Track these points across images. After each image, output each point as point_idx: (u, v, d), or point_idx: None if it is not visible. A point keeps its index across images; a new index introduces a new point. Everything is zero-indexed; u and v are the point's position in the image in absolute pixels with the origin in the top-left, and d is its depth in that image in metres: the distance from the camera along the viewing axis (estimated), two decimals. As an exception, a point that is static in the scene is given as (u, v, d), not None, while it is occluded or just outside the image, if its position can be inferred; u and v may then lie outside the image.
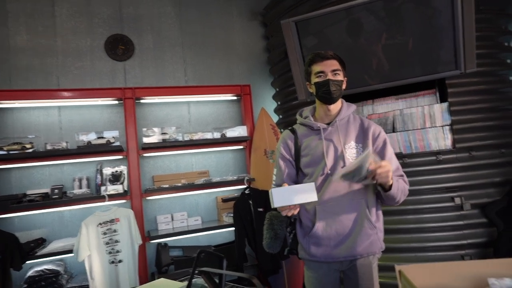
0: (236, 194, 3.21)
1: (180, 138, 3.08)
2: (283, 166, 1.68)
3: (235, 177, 3.18)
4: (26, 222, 2.85)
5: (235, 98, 3.49)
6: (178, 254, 3.04)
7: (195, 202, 3.30)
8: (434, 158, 2.56)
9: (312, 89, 1.63)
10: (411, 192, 2.56)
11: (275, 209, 1.56)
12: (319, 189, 1.56)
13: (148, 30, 3.35)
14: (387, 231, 2.59)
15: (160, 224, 3.05)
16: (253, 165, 3.27)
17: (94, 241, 2.56)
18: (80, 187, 2.88)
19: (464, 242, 2.49)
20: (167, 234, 2.93)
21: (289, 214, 1.44)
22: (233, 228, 3.03)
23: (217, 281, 1.19)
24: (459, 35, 2.32)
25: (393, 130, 2.67)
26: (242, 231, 2.96)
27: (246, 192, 3.05)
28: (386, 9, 2.51)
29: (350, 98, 2.89)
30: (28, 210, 2.71)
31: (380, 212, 1.66)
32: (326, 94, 1.57)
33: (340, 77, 1.59)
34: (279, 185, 1.67)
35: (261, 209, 3.00)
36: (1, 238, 2.43)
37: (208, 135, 3.16)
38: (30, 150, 2.71)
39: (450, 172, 2.54)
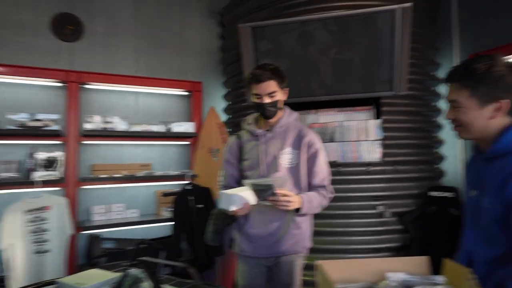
0: (177, 189, 3.22)
1: (125, 128, 3.01)
2: (228, 169, 1.82)
3: (177, 172, 3.19)
4: None
5: (185, 93, 3.49)
6: (111, 246, 2.96)
7: (134, 195, 3.24)
8: (364, 168, 2.81)
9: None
10: (342, 198, 2.81)
11: (197, 211, 1.71)
12: None
13: (101, 14, 3.22)
14: (317, 233, 2.82)
15: (95, 215, 2.94)
16: (197, 161, 3.31)
17: (19, 229, 2.41)
18: (8, 171, 2.69)
19: (383, 246, 2.77)
20: (101, 226, 2.85)
21: (242, 213, 1.58)
22: (171, 223, 3.04)
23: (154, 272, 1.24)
24: (395, 60, 2.59)
25: (332, 140, 2.88)
26: (180, 226, 2.98)
27: (188, 187, 3.07)
28: (338, 25, 2.70)
29: (297, 106, 3.06)
30: None
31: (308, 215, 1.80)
32: (262, 115, 1.74)
33: (277, 97, 1.70)
34: (225, 186, 1.80)
35: (201, 206, 3.05)
36: None
37: (154, 128, 3.13)
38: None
39: (376, 183, 2.81)
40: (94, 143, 3.09)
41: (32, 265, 2.45)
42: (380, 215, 2.78)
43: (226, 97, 3.65)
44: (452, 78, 1.15)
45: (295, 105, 3.06)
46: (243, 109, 3.31)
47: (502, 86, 1.07)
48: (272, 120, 1.76)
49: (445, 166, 3.17)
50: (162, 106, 3.45)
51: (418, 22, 2.98)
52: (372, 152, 2.82)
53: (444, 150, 3.20)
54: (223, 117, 3.64)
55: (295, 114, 1.83)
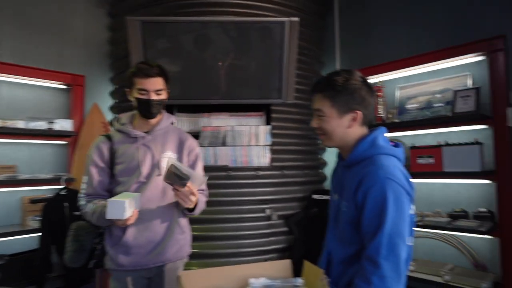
0: (49, 195, 2.82)
1: (-22, 123, 2.51)
2: (96, 174, 1.60)
3: (50, 176, 2.79)
4: None
5: (64, 87, 3.09)
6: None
7: (-9, 202, 2.73)
8: (254, 173, 2.87)
9: (132, 99, 1.62)
10: (233, 202, 2.82)
11: (81, 218, 1.53)
12: None
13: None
14: (208, 238, 2.79)
15: None
16: (76, 164, 2.95)
17: None
18: None
19: (269, 248, 2.87)
20: None
21: (129, 223, 1.43)
22: (39, 234, 2.64)
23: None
24: (284, 70, 2.72)
25: (224, 144, 2.88)
26: (49, 237, 2.61)
27: (62, 193, 2.72)
28: (233, 30, 2.72)
29: (189, 108, 2.99)
30: None
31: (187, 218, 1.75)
32: (147, 112, 1.61)
33: (162, 96, 1.63)
34: (89, 194, 1.60)
35: (78, 213, 2.71)
36: None
37: (21, 124, 2.69)
38: None
39: (265, 187, 2.89)
40: None
41: None
42: (268, 218, 2.87)
43: (113, 94, 3.35)
44: (316, 88, 1.23)
45: (187, 108, 3.02)
46: (131, 108, 3.07)
47: (356, 98, 1.18)
48: (152, 121, 1.66)
49: (327, 171, 3.46)
50: (34, 99, 2.99)
51: (307, 37, 3.22)
52: (262, 157, 2.90)
53: (326, 156, 3.50)
54: (110, 116, 3.33)
55: (172, 118, 1.78)
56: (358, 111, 1.19)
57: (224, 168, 2.80)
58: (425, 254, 2.78)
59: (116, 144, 1.63)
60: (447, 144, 2.53)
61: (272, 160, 2.91)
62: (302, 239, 2.91)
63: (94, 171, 1.60)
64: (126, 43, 2.98)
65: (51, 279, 2.68)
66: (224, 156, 2.85)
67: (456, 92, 2.56)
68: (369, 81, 1.24)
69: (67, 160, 3.07)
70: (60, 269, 2.76)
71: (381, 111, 2.91)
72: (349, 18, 3.44)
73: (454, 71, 2.69)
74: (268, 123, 2.98)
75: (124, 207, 1.36)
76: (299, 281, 1.03)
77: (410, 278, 2.53)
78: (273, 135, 2.93)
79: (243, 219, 2.84)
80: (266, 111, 3.01)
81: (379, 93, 2.91)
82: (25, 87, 2.94)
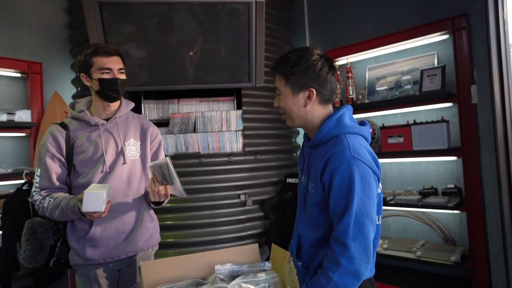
0: (11, 191, 2.67)
1: None
2: (52, 166, 1.49)
3: (9, 170, 2.64)
4: None
5: (19, 75, 2.90)
6: None
7: None
8: (227, 159, 2.82)
9: (91, 84, 1.52)
10: (207, 189, 2.77)
11: (37, 214, 1.44)
12: None
13: None
14: (184, 227, 2.74)
15: None
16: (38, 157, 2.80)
17: None
18: None
19: (245, 233, 2.85)
20: None
21: (104, 215, 1.37)
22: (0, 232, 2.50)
23: None
24: (252, 53, 2.65)
25: (194, 130, 2.81)
26: (13, 235, 2.48)
27: (24, 188, 2.57)
28: (204, 14, 2.61)
29: (158, 95, 2.89)
30: None
31: None
32: (114, 93, 1.51)
33: (124, 76, 1.56)
34: (45, 187, 1.49)
35: (42, 208, 2.60)
36: None
37: (-26, 116, 2.51)
38: None
39: (239, 172, 2.85)
40: None
41: None
42: (243, 204, 2.85)
43: (75, 82, 3.18)
44: (273, 67, 1.20)
45: (155, 94, 2.91)
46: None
47: (311, 75, 1.14)
48: (112, 108, 1.57)
49: (300, 154, 3.46)
50: (-13, 89, 2.80)
51: (275, 18, 3.15)
52: (234, 142, 2.85)
53: (300, 139, 3.49)
54: (73, 105, 3.17)
55: (132, 104, 1.69)
56: (312, 89, 1.15)
57: (196, 155, 2.74)
58: (398, 232, 2.86)
59: (74, 132, 1.53)
60: (416, 123, 2.57)
61: (245, 145, 2.87)
62: (278, 223, 2.91)
63: (50, 162, 1.48)
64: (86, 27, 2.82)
65: (18, 278, 2.56)
66: (196, 143, 2.78)
67: (422, 71, 2.59)
68: (328, 58, 1.20)
69: (28, 153, 2.91)
70: (27, 267, 2.64)
71: (351, 92, 2.91)
72: (318, -1, 3.40)
73: (420, 51, 2.72)
74: (239, 107, 2.93)
75: (103, 198, 1.29)
76: (267, 264, 1.01)
77: (383, 256, 2.60)
78: (245, 120, 2.88)
79: (218, 206, 2.80)
80: (237, 96, 2.95)
81: (349, 74, 2.91)
82: (-24, 77, 2.74)
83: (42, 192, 1.48)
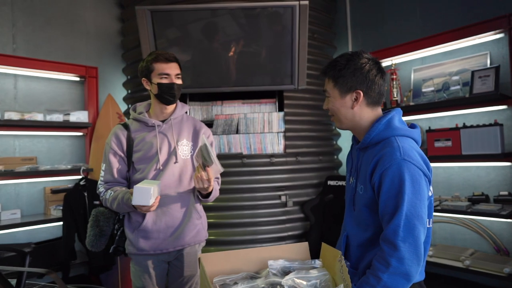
0: (70, 185, 2.89)
1: (-2, 117, 2.58)
2: (114, 162, 1.64)
3: (69, 166, 2.85)
4: None
5: (78, 79, 3.14)
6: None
7: (14, 193, 2.81)
8: (268, 160, 2.87)
9: (151, 88, 1.64)
10: (248, 189, 2.84)
11: (101, 205, 1.56)
12: None
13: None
14: (225, 225, 2.82)
15: (-41, 218, 2.48)
16: (93, 154, 3.01)
17: None
18: None
19: (285, 234, 2.89)
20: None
21: (152, 209, 1.47)
22: (62, 223, 2.72)
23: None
24: (295, 56, 2.68)
25: (237, 131, 2.88)
26: (72, 226, 2.69)
27: (81, 183, 2.78)
28: (245, 17, 2.69)
29: (202, 97, 3.00)
30: None
31: None
32: (170, 96, 1.63)
33: (180, 81, 1.67)
34: (108, 181, 1.64)
35: (97, 202, 2.79)
36: None
37: (39, 117, 2.74)
38: None
39: (280, 173, 2.90)
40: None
41: None
42: (284, 204, 2.88)
43: (126, 85, 3.38)
44: (323, 71, 1.24)
45: (199, 96, 3.02)
46: (145, 98, 3.08)
47: (359, 77, 1.16)
48: (168, 110, 1.68)
49: (342, 157, 3.43)
50: (50, 92, 3.04)
51: (318, 21, 3.16)
52: (276, 144, 2.90)
53: (341, 142, 3.46)
54: (123, 106, 3.37)
55: (186, 106, 1.80)
56: (359, 91, 1.17)
57: (239, 156, 2.81)
58: (444, 239, 2.75)
59: (134, 132, 1.66)
60: (465, 126, 2.47)
61: (286, 146, 2.91)
62: (318, 225, 2.91)
63: (112, 159, 1.63)
64: (137, 33, 2.99)
65: (75, 266, 2.77)
66: (238, 144, 2.85)
67: (473, 72, 2.48)
68: (377, 61, 1.22)
69: (84, 150, 3.13)
70: (83, 256, 2.85)
71: (395, 94, 2.85)
72: (360, 0, 3.36)
73: (471, 51, 2.61)
74: (281, 109, 2.96)
75: (150, 193, 1.39)
76: (317, 262, 1.04)
77: (429, 263, 2.52)
78: (287, 122, 2.92)
79: (258, 206, 2.86)
80: (279, 98, 3.00)
81: (393, 76, 2.85)
82: (40, 81, 2.99)
83: (106, 185, 1.61)
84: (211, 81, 2.82)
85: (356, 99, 1.19)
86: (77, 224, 2.73)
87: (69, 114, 2.90)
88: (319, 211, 2.94)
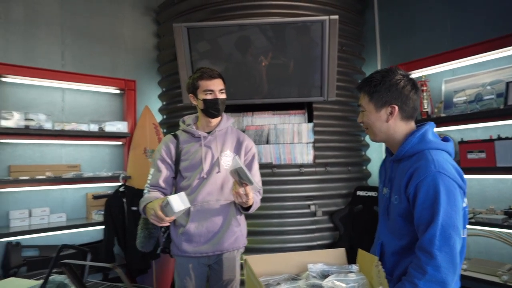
0: (109, 191, 3.07)
1: (49, 127, 2.79)
2: (162, 168, 1.76)
3: (109, 174, 3.04)
4: None
5: (118, 92, 3.34)
6: (33, 254, 2.73)
7: (60, 198, 3.01)
8: (298, 170, 2.93)
9: (197, 103, 1.76)
10: (277, 199, 2.90)
11: (130, 213, 1.64)
12: (194, 191, 1.71)
13: (18, 0, 2.94)
14: (253, 233, 2.89)
15: (14, 220, 2.69)
16: (131, 162, 3.18)
17: None
18: None
19: (315, 243, 2.92)
20: (21, 232, 2.60)
21: (165, 224, 1.55)
22: (102, 227, 2.89)
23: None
24: (325, 67, 2.75)
25: (267, 142, 2.97)
26: (112, 230, 2.85)
27: (121, 189, 2.95)
28: (273, 31, 2.80)
29: (232, 108, 3.11)
30: None
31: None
32: (214, 111, 1.74)
33: (224, 95, 1.77)
34: (154, 185, 1.75)
35: (135, 208, 2.94)
36: None
37: (84, 127, 2.95)
38: None
39: (309, 183, 2.95)
40: (11, 142, 2.81)
41: None
42: (312, 214, 2.92)
43: (161, 97, 3.56)
44: (358, 86, 1.32)
45: (230, 107, 3.14)
46: (178, 110, 3.26)
47: (394, 92, 1.23)
48: (213, 123, 1.79)
49: (371, 167, 3.44)
50: (93, 105, 3.26)
51: (346, 33, 3.22)
52: (305, 154, 2.96)
53: (370, 152, 3.48)
54: (158, 117, 3.55)
55: (231, 119, 1.90)
56: (394, 105, 1.23)
57: (269, 166, 2.89)
58: (479, 253, 2.70)
59: (182, 143, 1.79)
60: (500, 138, 2.44)
61: (316, 157, 2.96)
62: (347, 235, 2.93)
63: (160, 165, 1.76)
64: (172, 48, 3.17)
65: (113, 268, 2.90)
66: (268, 154, 2.94)
67: (508, 83, 2.46)
68: (412, 78, 1.28)
69: (123, 159, 3.31)
70: (121, 259, 3.00)
71: (426, 106, 2.86)
72: (389, 12, 3.39)
73: (505, 62, 2.59)
74: (310, 120, 3.03)
75: (183, 200, 1.45)
76: (354, 267, 1.09)
77: (464, 277, 2.47)
78: (316, 132, 2.98)
79: (287, 215, 2.91)
80: (308, 109, 3.06)
81: (423, 88, 2.86)
82: (84, 93, 3.21)
83: (150, 188, 1.74)
84: (242, 93, 2.93)
85: (391, 113, 1.25)
86: (116, 228, 2.89)
87: (110, 124, 3.09)
88: (349, 221, 2.96)
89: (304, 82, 2.90)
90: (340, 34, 3.12)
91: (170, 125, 3.41)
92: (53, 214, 2.87)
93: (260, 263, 1.06)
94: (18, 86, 2.89)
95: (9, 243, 2.62)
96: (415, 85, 1.27)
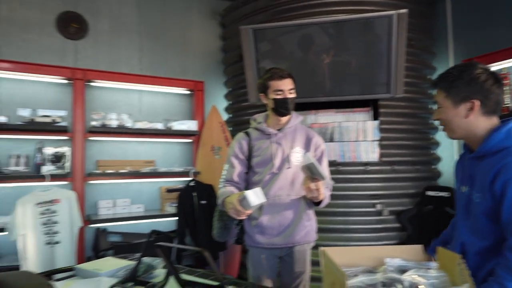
0: (180, 186, 3.30)
1: (130, 126, 3.09)
2: (236, 164, 1.86)
3: (181, 169, 3.27)
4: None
5: (187, 92, 3.57)
6: (117, 240, 3.04)
7: (138, 190, 3.32)
8: (363, 168, 2.90)
9: (268, 102, 1.84)
10: (342, 196, 2.90)
11: (200, 206, 1.76)
12: (265, 185, 1.79)
13: (105, 13, 3.29)
14: (318, 230, 2.90)
15: (101, 209, 3.02)
16: (199, 159, 3.39)
17: (30, 221, 2.49)
18: (17, 165, 2.76)
19: (381, 242, 2.86)
20: (107, 219, 2.93)
21: (243, 217, 1.63)
22: (175, 218, 3.12)
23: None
24: (392, 63, 2.68)
25: (331, 140, 2.97)
26: (184, 221, 3.06)
27: (191, 184, 3.16)
28: (336, 29, 2.79)
29: (296, 106, 3.15)
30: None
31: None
32: (284, 110, 1.80)
33: (293, 94, 1.82)
34: (228, 179, 1.86)
35: (204, 202, 3.14)
36: None
37: (158, 126, 3.21)
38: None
39: (374, 182, 2.90)
40: (99, 139, 3.16)
41: (44, 256, 2.52)
42: (378, 213, 2.87)
43: (227, 96, 3.73)
44: (435, 83, 1.28)
45: (295, 105, 3.16)
46: (244, 109, 3.40)
47: (473, 87, 1.18)
48: (283, 120, 1.85)
49: (441, 167, 3.27)
50: (165, 105, 3.53)
51: (415, 27, 3.09)
52: (370, 152, 2.91)
53: (440, 151, 3.30)
54: (225, 116, 3.72)
55: (300, 117, 1.95)
56: (474, 100, 1.18)
57: (334, 163, 2.89)
58: None
59: (253, 140, 1.88)
60: None
61: (381, 155, 2.90)
62: (416, 236, 2.83)
63: (234, 161, 1.87)
64: (236, 50, 3.30)
65: (186, 257, 3.14)
66: (333, 152, 2.94)
67: None
68: (493, 71, 1.21)
69: (192, 155, 3.54)
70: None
71: (508, 100, 2.65)
72: (463, 2, 3.18)
73: None
74: (375, 118, 2.97)
75: (259, 195, 1.54)
76: (433, 264, 1.08)
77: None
78: (382, 130, 2.91)
79: (352, 213, 2.90)
80: (373, 106, 3.00)
81: (504, 81, 2.65)
82: (158, 95, 3.49)
83: (225, 183, 1.86)
84: (305, 91, 2.96)
85: (471, 109, 1.20)
86: (187, 220, 3.10)
87: (180, 123, 3.32)
88: (417, 221, 2.86)
89: (369, 79, 2.85)
90: (408, 28, 3.01)
91: (235, 123, 3.56)
92: (133, 205, 3.17)
93: (336, 255, 1.10)
94: (104, 89, 3.24)
95: (97, 229, 2.95)
96: (497, 78, 1.21)
